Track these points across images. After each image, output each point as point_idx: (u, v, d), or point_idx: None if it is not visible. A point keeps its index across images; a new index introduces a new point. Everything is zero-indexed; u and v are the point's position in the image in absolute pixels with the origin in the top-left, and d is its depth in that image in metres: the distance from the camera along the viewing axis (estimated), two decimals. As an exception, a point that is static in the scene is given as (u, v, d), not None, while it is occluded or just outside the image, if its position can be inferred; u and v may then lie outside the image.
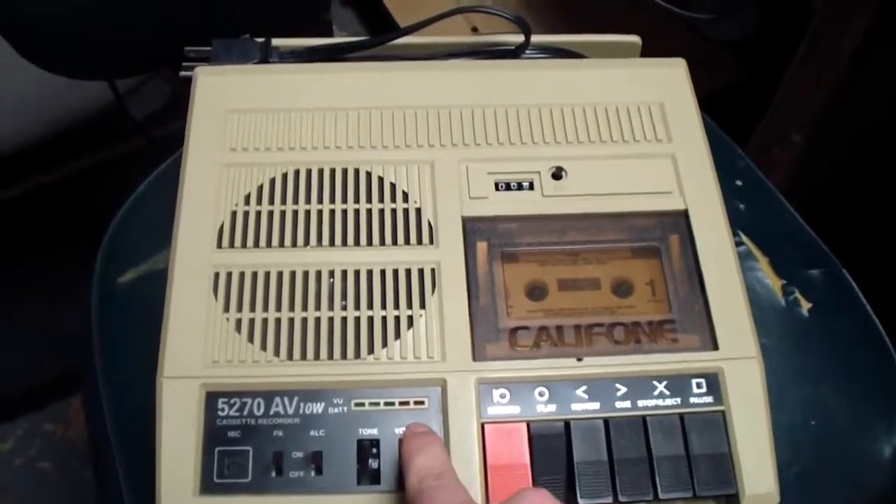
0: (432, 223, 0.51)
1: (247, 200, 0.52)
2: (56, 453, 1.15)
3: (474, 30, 1.18)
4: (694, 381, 0.47)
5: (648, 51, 0.62)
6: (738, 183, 0.68)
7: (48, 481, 1.13)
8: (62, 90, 0.95)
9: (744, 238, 0.65)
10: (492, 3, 0.97)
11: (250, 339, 0.47)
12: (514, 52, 0.60)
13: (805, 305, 0.63)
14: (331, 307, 0.48)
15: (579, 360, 0.47)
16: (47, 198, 1.15)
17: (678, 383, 0.47)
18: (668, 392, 0.47)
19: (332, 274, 0.49)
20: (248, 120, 0.54)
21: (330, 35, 0.99)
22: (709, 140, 0.55)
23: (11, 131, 0.98)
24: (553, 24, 1.23)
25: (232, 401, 0.46)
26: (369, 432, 0.45)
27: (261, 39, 0.60)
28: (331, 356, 0.47)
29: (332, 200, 0.52)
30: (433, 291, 0.49)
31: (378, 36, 0.61)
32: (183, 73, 0.59)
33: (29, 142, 1.00)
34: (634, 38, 0.62)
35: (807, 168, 0.92)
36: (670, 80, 0.57)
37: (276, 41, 0.61)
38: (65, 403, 1.18)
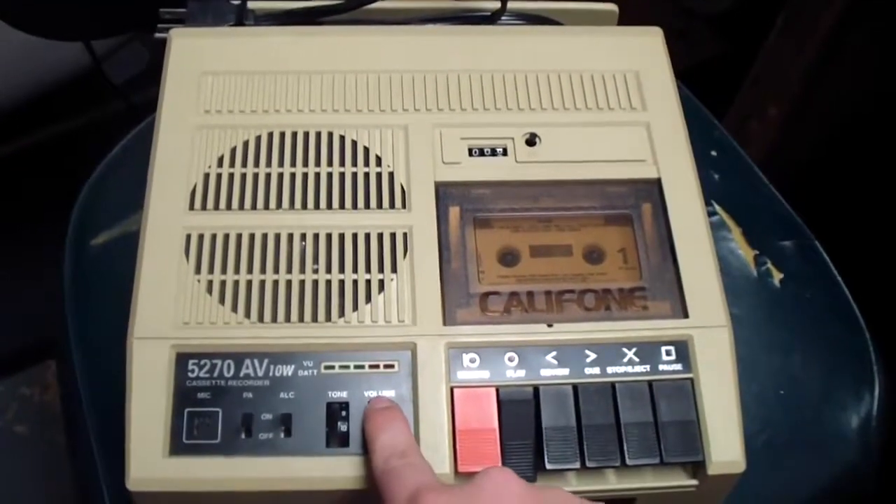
0: (405, 187, 0.51)
1: (220, 163, 0.51)
2: (33, 417, 1.15)
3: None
4: (663, 349, 0.47)
5: (629, 22, 0.62)
6: (714, 153, 0.69)
7: (24, 445, 1.13)
8: (39, 53, 0.94)
9: (717, 208, 0.66)
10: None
11: (221, 300, 0.47)
12: (491, 18, 0.60)
13: (777, 276, 0.64)
14: (302, 270, 0.48)
15: (549, 325, 0.47)
16: (25, 162, 1.14)
17: (648, 350, 0.47)
18: (637, 359, 0.47)
19: (304, 237, 0.49)
20: (222, 82, 0.54)
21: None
22: (685, 110, 0.55)
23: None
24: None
25: (202, 362, 0.46)
26: (339, 395, 0.46)
27: (237, 1, 0.60)
28: (301, 319, 0.47)
29: (306, 164, 0.51)
30: (405, 256, 0.49)
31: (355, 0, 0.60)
32: (157, 35, 0.58)
33: (5, 105, 0.99)
34: (611, 7, 0.62)
35: (784, 141, 0.92)
36: (646, 48, 0.57)
37: (251, 3, 0.60)
38: (42, 367, 1.17)
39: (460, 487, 0.40)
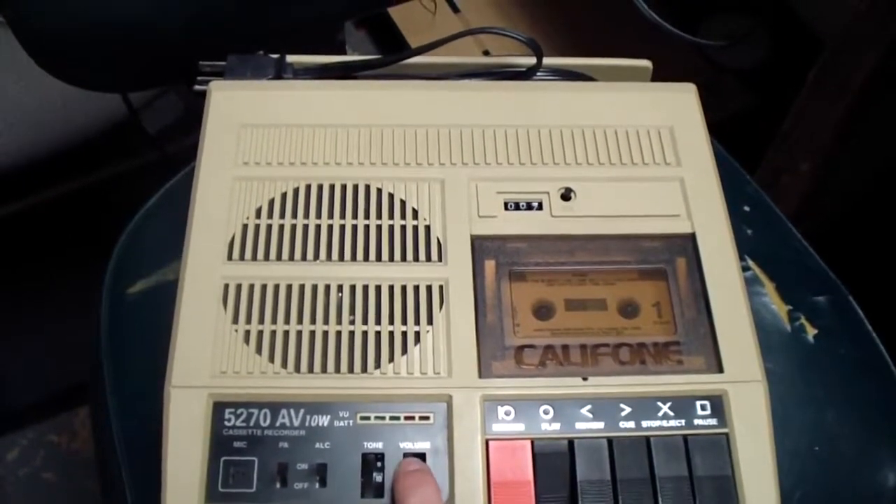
0: (441, 241, 0.51)
1: (258, 214, 0.52)
2: (60, 464, 1.15)
3: (486, 53, 1.18)
4: (698, 403, 0.47)
5: (658, 77, 0.63)
6: (746, 208, 0.69)
7: (52, 492, 1.14)
8: (76, 103, 0.96)
9: (751, 263, 0.66)
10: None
11: (258, 350, 0.48)
12: (526, 74, 0.61)
13: (811, 331, 0.63)
14: (339, 321, 0.49)
15: (585, 379, 0.48)
16: (59, 210, 1.16)
17: (682, 405, 0.47)
18: (672, 413, 0.47)
19: (340, 288, 0.50)
20: (260, 135, 0.55)
21: (343, 54, 0.99)
22: (718, 165, 0.55)
23: (25, 143, 0.98)
24: (563, 47, 1.23)
25: (238, 411, 0.46)
26: (374, 446, 0.46)
27: (275, 55, 0.61)
28: (338, 370, 0.47)
29: (343, 216, 0.52)
30: (440, 308, 0.49)
31: (391, 55, 0.61)
32: (197, 87, 0.59)
33: (42, 153, 1.00)
34: (645, 63, 0.63)
35: (816, 197, 0.92)
36: (680, 104, 0.58)
37: (290, 57, 0.61)
38: (70, 415, 1.18)
39: None
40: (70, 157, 1.03)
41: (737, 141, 0.74)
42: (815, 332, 0.63)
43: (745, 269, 0.64)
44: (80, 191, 1.17)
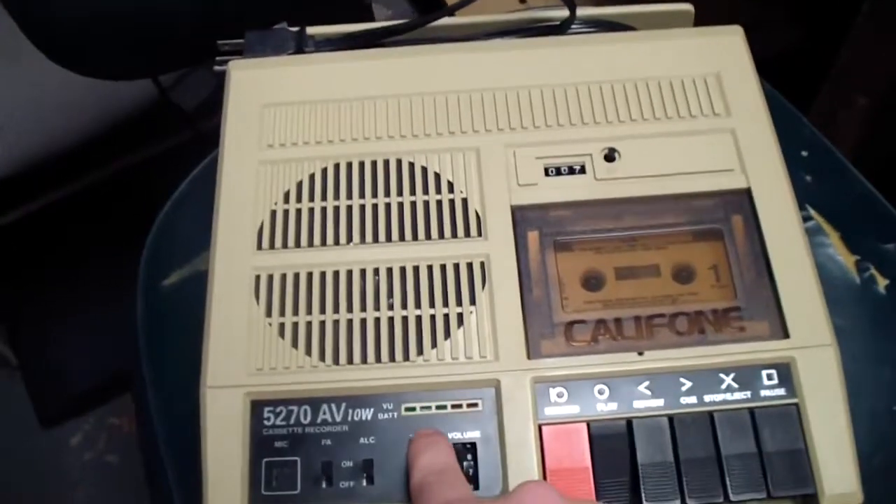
0: (480, 214, 0.49)
1: (286, 198, 0.50)
2: (123, 446, 1.17)
3: (522, 1, 1.15)
4: (764, 373, 0.44)
5: (698, 15, 0.59)
6: (804, 153, 0.65)
7: (116, 474, 1.15)
8: (108, 87, 0.95)
9: (812, 212, 0.62)
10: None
11: (294, 344, 0.46)
12: (560, 28, 0.58)
13: (882, 282, 0.60)
14: (377, 307, 0.46)
15: (640, 353, 0.45)
16: (105, 192, 1.16)
17: (747, 375, 0.44)
18: (736, 385, 0.44)
19: (376, 272, 0.47)
20: (284, 114, 0.53)
21: (370, 18, 0.97)
22: (770, 109, 0.52)
23: (61, 129, 0.98)
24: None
25: (278, 409, 0.45)
26: (422, 438, 0.44)
27: (295, 28, 0.58)
28: (378, 359, 0.45)
29: (375, 194, 0.50)
30: (483, 286, 0.47)
31: (416, 18, 0.58)
32: (217, 68, 0.57)
33: (78, 140, 1.00)
34: (687, 6, 0.59)
35: (876, 133, 0.88)
36: (727, 49, 0.54)
37: (310, 29, 0.59)
38: (128, 397, 1.19)
39: (500, 501, 0.38)
40: (106, 141, 1.02)
41: (786, 79, 0.71)
42: (887, 282, 0.60)
43: (806, 219, 0.61)
44: (119, 174, 1.17)
